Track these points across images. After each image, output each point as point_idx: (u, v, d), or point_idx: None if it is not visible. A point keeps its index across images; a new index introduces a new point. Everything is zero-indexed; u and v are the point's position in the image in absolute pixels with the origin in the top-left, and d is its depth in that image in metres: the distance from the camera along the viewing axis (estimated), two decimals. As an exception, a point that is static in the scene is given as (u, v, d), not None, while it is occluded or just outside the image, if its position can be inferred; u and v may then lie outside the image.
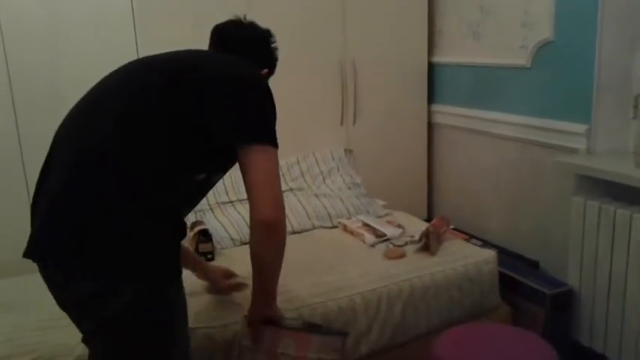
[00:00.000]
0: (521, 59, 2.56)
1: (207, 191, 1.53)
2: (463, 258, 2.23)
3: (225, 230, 2.48)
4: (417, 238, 2.34)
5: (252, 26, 1.65)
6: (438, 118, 3.20)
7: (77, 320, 1.34)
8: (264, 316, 1.53)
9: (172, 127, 1.32)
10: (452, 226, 2.52)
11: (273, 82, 1.55)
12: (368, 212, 2.70)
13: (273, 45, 1.67)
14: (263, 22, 2.80)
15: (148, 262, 1.28)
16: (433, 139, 3.27)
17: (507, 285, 2.35)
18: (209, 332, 1.74)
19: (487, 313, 2.24)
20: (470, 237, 2.72)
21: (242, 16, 1.67)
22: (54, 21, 2.41)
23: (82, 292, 1.26)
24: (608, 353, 2.15)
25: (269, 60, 1.66)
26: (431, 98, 3.22)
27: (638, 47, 2.21)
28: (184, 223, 1.45)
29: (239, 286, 1.91)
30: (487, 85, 2.81)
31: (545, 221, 2.54)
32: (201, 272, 1.90)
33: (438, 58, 3.15)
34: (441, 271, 2.14)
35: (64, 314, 1.36)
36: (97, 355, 1.37)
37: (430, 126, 3.24)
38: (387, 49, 3.03)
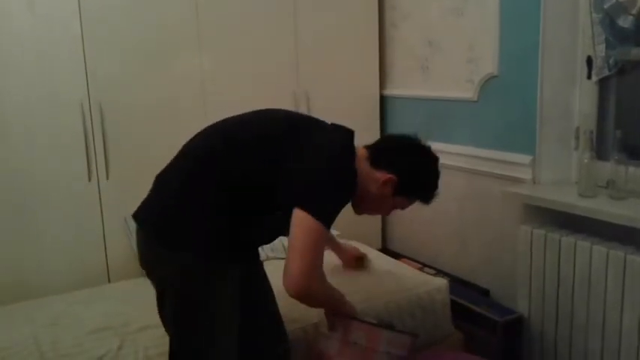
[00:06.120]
0: (468, 93, 2.65)
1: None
2: (416, 287, 2.25)
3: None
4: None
5: (412, 140, 1.76)
6: (391, 150, 3.24)
7: (149, 274, 1.64)
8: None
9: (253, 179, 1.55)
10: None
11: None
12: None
13: (416, 162, 1.76)
14: (215, 55, 2.80)
15: (200, 243, 1.52)
16: (386, 170, 3.31)
17: (460, 313, 2.38)
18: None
19: (440, 341, 2.26)
20: (423, 266, 2.76)
21: (418, 137, 1.77)
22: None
23: (151, 255, 1.60)
24: (558, 378, 2.20)
25: (402, 171, 1.71)
26: (383, 130, 3.27)
27: (577, 82, 2.32)
28: (252, 242, 1.68)
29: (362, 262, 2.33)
30: (436, 118, 2.89)
31: (495, 250, 2.59)
32: (335, 250, 2.27)
33: (389, 91, 3.22)
34: (393, 300, 2.15)
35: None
36: (166, 305, 1.61)
37: (383, 157, 3.29)
38: (340, 82, 3.08)
